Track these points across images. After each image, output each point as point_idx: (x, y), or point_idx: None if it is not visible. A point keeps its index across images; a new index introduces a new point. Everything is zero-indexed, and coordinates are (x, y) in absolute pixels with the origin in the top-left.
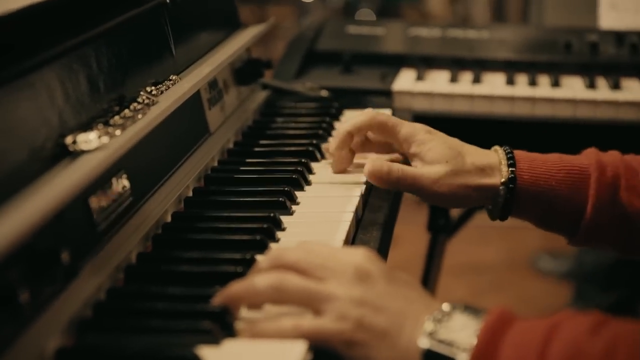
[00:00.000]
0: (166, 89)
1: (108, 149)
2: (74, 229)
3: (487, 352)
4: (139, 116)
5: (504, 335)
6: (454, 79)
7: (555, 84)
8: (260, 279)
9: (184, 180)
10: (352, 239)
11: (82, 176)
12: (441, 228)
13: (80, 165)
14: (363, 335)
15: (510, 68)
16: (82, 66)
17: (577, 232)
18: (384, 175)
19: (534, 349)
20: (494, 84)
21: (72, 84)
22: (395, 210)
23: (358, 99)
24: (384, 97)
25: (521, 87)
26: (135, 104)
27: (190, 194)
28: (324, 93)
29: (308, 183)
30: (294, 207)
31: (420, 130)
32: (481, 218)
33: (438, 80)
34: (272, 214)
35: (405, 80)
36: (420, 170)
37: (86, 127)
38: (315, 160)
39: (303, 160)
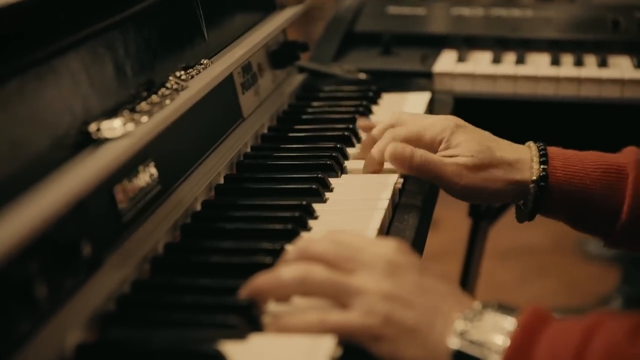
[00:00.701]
0: (197, 74)
1: (133, 137)
2: (98, 219)
3: (521, 354)
4: (167, 102)
5: (539, 337)
6: (496, 60)
7: (602, 63)
8: (285, 271)
9: (215, 168)
10: (387, 228)
11: (105, 165)
12: (483, 214)
13: (103, 153)
14: (391, 331)
15: (555, 48)
16: (108, 51)
17: (612, 233)
18: (407, 158)
19: (571, 352)
20: (539, 64)
21: (97, 69)
22: (433, 197)
23: (397, 81)
24: (424, 79)
25: (566, 67)
26: (163, 90)
27: (222, 181)
28: (362, 76)
29: (343, 169)
30: (327, 195)
31: (446, 128)
32: None
33: (480, 61)
34: (304, 202)
35: (446, 62)
36: (444, 159)
37: (111, 114)
38: (351, 145)
39: (338, 145)
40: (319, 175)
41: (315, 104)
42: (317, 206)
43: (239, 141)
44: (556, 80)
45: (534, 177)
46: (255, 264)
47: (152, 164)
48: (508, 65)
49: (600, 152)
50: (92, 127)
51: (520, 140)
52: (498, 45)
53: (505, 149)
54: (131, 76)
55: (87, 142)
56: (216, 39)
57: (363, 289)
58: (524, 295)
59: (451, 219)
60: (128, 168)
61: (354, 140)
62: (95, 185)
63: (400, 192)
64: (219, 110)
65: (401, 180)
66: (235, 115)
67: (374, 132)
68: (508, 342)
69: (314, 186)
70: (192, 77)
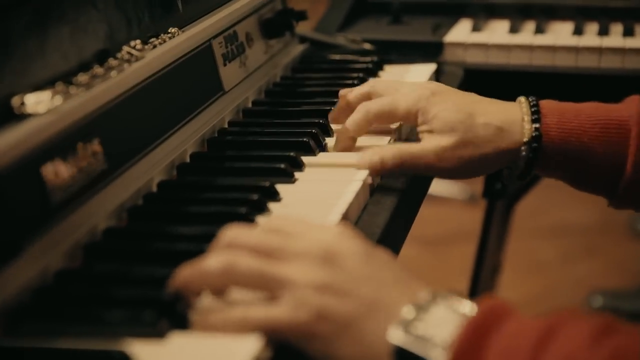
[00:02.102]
0: (161, 43)
1: (59, 112)
2: (19, 201)
3: (470, 354)
4: (113, 74)
5: (491, 336)
6: (514, 29)
7: (628, 32)
8: (210, 261)
9: (181, 145)
10: (361, 212)
11: (18, 141)
12: (498, 194)
13: (21, 129)
14: (324, 327)
15: (580, 15)
16: (53, 17)
17: (616, 192)
18: (378, 167)
19: (525, 355)
20: (559, 33)
21: (36, 34)
22: (424, 178)
23: (405, 52)
24: (435, 50)
25: (589, 36)
26: (111, 61)
27: (188, 159)
28: (367, 46)
29: (323, 147)
30: (298, 175)
31: (422, 96)
32: None
33: (496, 31)
34: (267, 184)
35: (459, 32)
36: (421, 146)
37: (45, 86)
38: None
39: (321, 121)
40: (291, 154)
41: (310, 76)
42: (284, 187)
43: (215, 116)
44: (575, 50)
45: (526, 139)
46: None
47: (96, 141)
48: (526, 34)
49: (598, 103)
50: (15, 101)
51: None
52: (520, 13)
53: (490, 112)
54: (80, 46)
55: (9, 117)
56: (193, 8)
57: (292, 279)
58: (568, 275)
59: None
60: (63, 146)
61: None
62: (7, 164)
63: None
64: (192, 83)
65: None
66: (213, 89)
67: (350, 97)
68: (456, 340)
69: (282, 165)
70: (155, 47)
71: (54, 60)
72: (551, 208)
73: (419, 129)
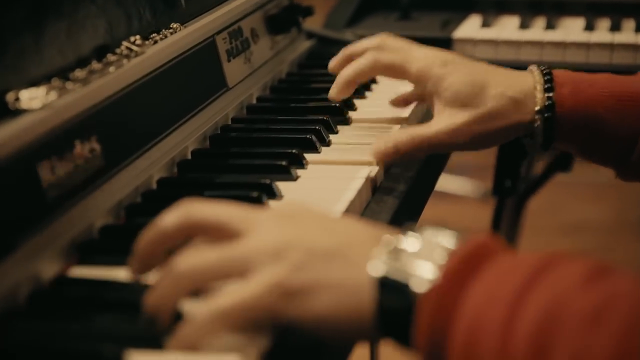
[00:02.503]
0: (162, 39)
1: (54, 108)
2: (14, 198)
3: (454, 287)
4: (111, 70)
5: (479, 272)
6: (524, 25)
7: None
8: (166, 219)
9: (182, 142)
10: (362, 211)
11: (11, 137)
12: (508, 191)
13: (14, 125)
14: (301, 278)
15: (591, 11)
16: (50, 12)
17: (626, 164)
18: (392, 153)
19: (509, 294)
20: (570, 29)
21: (34, 32)
22: (430, 174)
23: None
24: (443, 46)
25: (600, 32)
26: (110, 56)
27: (189, 156)
28: None
29: (327, 143)
30: (300, 172)
31: (434, 64)
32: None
33: (506, 27)
34: (266, 181)
35: (469, 27)
36: (433, 126)
37: (40, 82)
38: (341, 116)
39: (325, 118)
40: (293, 151)
41: (315, 72)
42: (285, 185)
43: (218, 113)
44: (587, 46)
45: (538, 107)
46: None
47: (94, 138)
48: (536, 30)
49: (613, 75)
50: (10, 97)
51: None
52: (530, 9)
53: (502, 82)
54: (78, 41)
55: (3, 113)
56: (196, 4)
57: (255, 247)
58: None
59: None
60: (59, 143)
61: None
62: (1, 160)
63: (387, 170)
64: (195, 79)
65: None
66: (217, 85)
67: (352, 50)
68: (441, 272)
69: (283, 163)
70: (156, 42)
71: (51, 56)
72: (566, 205)
73: (430, 93)
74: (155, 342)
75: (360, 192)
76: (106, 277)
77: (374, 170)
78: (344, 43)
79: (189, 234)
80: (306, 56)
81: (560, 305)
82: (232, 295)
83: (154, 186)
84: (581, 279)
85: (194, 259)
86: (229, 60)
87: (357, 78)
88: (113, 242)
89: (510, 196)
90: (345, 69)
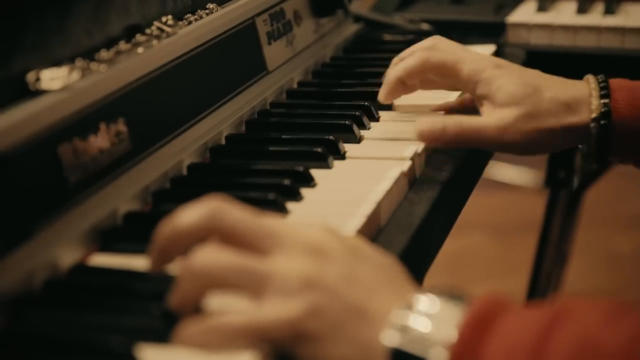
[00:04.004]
0: (197, 19)
1: (76, 89)
2: (33, 183)
3: (471, 349)
4: (139, 50)
5: (492, 328)
6: (582, 10)
7: None
8: (194, 261)
9: (216, 126)
10: (400, 200)
11: (29, 118)
12: (561, 183)
13: (34, 106)
14: (316, 325)
15: None
16: None
17: None
18: (438, 134)
19: (531, 342)
20: (629, 14)
21: (59, 10)
22: (474, 167)
23: (465, 33)
24: (496, 30)
25: None
26: (139, 36)
27: (224, 141)
28: (426, 26)
29: (366, 129)
30: (337, 160)
31: (486, 66)
32: None
33: (563, 11)
34: (300, 168)
35: (524, 12)
36: (483, 119)
37: (64, 62)
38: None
39: (366, 103)
40: (330, 138)
41: (361, 57)
42: (320, 172)
43: (256, 97)
44: None
45: (594, 115)
46: None
47: (121, 121)
48: (594, 15)
49: None
50: (30, 77)
51: None
52: None
53: (557, 88)
54: (107, 21)
55: (24, 94)
56: None
57: (279, 272)
58: None
59: None
60: (82, 125)
61: None
62: (19, 142)
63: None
64: (232, 62)
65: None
66: (256, 69)
67: (405, 53)
68: (456, 335)
69: (318, 149)
70: (190, 23)
71: (77, 36)
72: (628, 198)
73: (480, 95)
74: (165, 336)
75: (398, 181)
76: (126, 266)
77: (413, 160)
78: (393, 27)
79: (209, 235)
80: (352, 40)
81: (588, 345)
82: (242, 315)
83: (184, 172)
84: (603, 317)
85: (213, 258)
86: (269, 43)
87: (406, 78)
88: (137, 229)
89: (564, 188)
90: (394, 69)
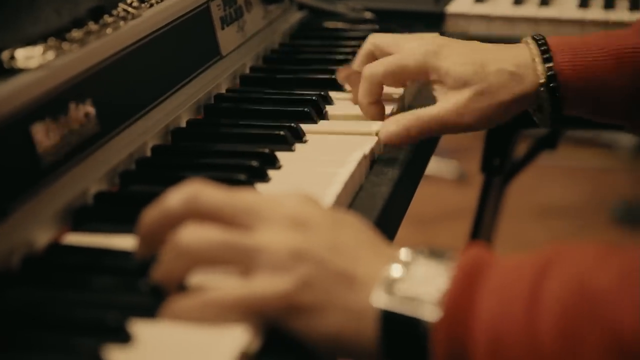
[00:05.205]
0: (157, 2)
1: (51, 68)
2: (7, 162)
3: (463, 301)
4: (108, 31)
5: (483, 279)
6: (518, 1)
7: (634, 6)
8: (171, 199)
9: (176, 109)
10: (362, 182)
11: (5, 97)
12: (496, 169)
13: (10, 84)
14: (309, 297)
15: None
16: None
17: (637, 118)
18: (403, 136)
19: (524, 288)
20: (564, 6)
21: None
22: (427, 147)
23: (406, 22)
24: (436, 20)
25: (594, 9)
26: (107, 17)
27: (184, 124)
28: (368, 15)
29: (323, 116)
30: (298, 144)
31: (427, 53)
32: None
33: (500, 2)
34: (266, 150)
35: (463, 2)
36: (440, 107)
37: (36, 41)
38: (339, 89)
39: (322, 93)
40: (291, 123)
41: (309, 44)
42: (283, 155)
43: (212, 82)
44: (581, 23)
45: (542, 80)
46: None
47: (88, 102)
48: (530, 6)
49: (607, 32)
50: (5, 55)
51: None
52: None
53: (500, 59)
54: (74, 1)
55: None
56: None
57: (266, 247)
58: None
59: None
60: (54, 105)
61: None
62: None
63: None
64: (189, 46)
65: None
66: (210, 53)
67: (354, 66)
68: (446, 289)
69: (281, 133)
70: (152, 5)
71: (46, 15)
72: (541, 188)
73: (433, 81)
74: (154, 312)
75: (360, 164)
76: (100, 245)
77: (373, 141)
78: (337, 15)
79: (193, 217)
80: (298, 27)
81: (581, 286)
82: (236, 290)
83: (148, 153)
84: (593, 259)
85: (198, 236)
86: (222, 28)
87: (371, 100)
88: (108, 209)
89: (498, 175)
90: (359, 103)
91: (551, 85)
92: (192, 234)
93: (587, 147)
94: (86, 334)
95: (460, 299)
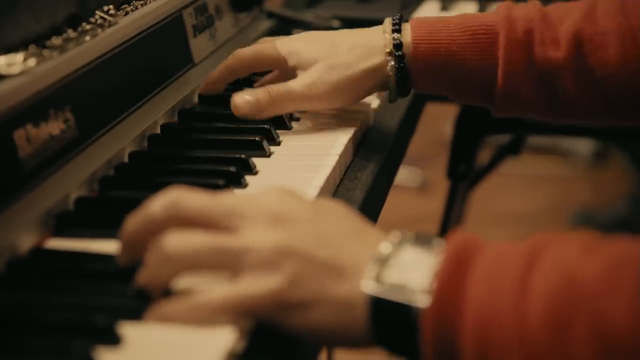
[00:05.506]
0: (133, 10)
1: (33, 74)
2: None
3: (452, 289)
4: (86, 38)
5: (472, 266)
6: (482, 10)
7: None
8: (153, 205)
9: (151, 116)
10: (335, 186)
11: None
12: (462, 175)
13: None
14: (299, 293)
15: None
16: None
17: (494, 100)
18: (253, 105)
19: (513, 278)
20: None
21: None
22: (397, 152)
23: None
24: None
25: None
26: (84, 25)
27: (159, 130)
28: (336, 23)
29: (296, 119)
30: (273, 149)
31: (281, 40)
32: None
33: (466, 9)
34: (242, 155)
35: (427, 10)
36: (290, 82)
37: (16, 48)
38: None
39: None
40: (265, 127)
41: None
42: (259, 161)
43: (185, 88)
44: None
45: (388, 49)
46: None
47: (67, 109)
48: None
49: (470, 13)
50: None
51: None
52: None
53: (353, 37)
54: (52, 8)
55: None
56: None
57: (250, 247)
58: None
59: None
60: (35, 112)
61: None
62: None
63: (357, 147)
64: (163, 53)
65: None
66: (183, 60)
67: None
68: (435, 278)
69: (257, 138)
70: (127, 13)
71: (26, 22)
72: (502, 195)
73: (292, 68)
74: (140, 314)
75: (334, 169)
76: (83, 249)
77: (346, 145)
78: (303, 23)
79: (176, 223)
80: (266, 35)
81: (569, 277)
82: (225, 291)
83: (126, 159)
84: (581, 250)
85: (183, 242)
86: (194, 36)
87: (229, 78)
88: (88, 214)
89: (464, 181)
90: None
91: (398, 53)
92: (176, 240)
93: (546, 155)
94: (75, 336)
95: (449, 286)
